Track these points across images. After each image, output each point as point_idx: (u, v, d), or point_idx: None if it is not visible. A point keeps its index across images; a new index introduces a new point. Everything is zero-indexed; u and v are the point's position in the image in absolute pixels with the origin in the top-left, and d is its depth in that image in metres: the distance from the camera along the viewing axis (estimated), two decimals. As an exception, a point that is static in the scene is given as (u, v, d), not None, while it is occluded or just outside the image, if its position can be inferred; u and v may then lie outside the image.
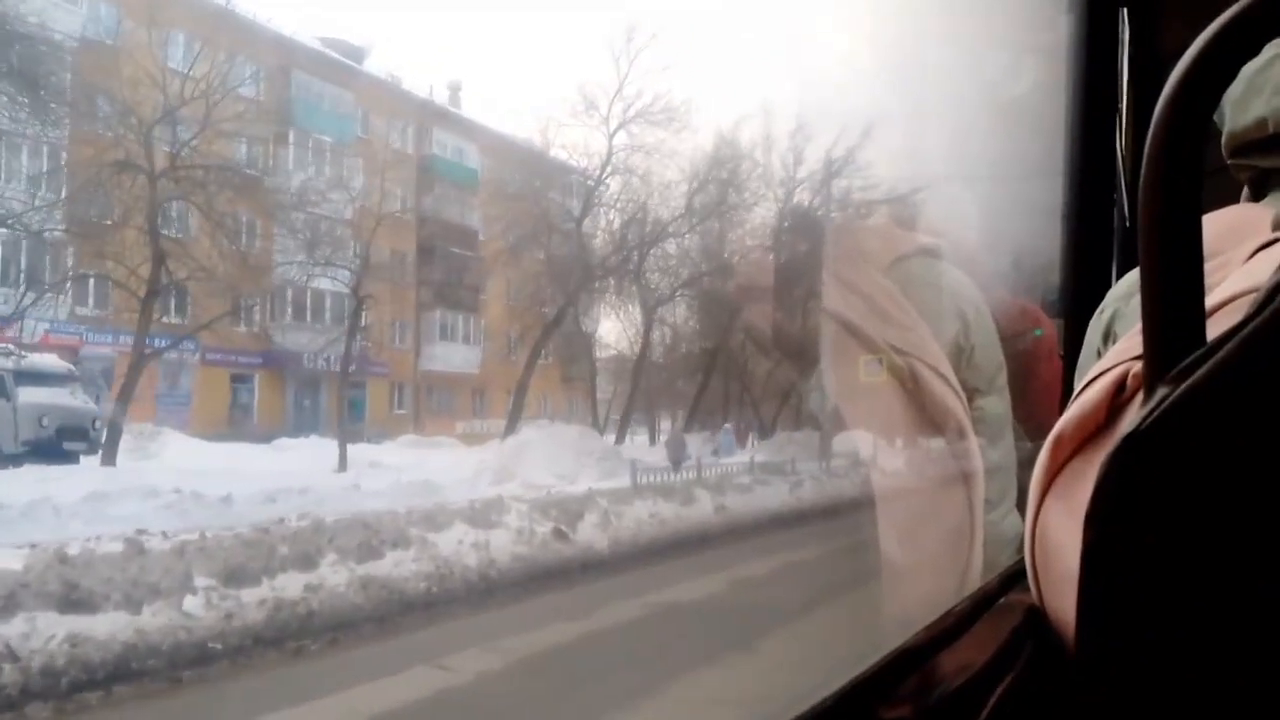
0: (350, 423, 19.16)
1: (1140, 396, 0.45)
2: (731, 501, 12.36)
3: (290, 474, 11.38)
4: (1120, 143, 0.97)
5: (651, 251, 22.22)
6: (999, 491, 1.11)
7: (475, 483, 12.69)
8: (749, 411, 25.63)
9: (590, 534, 9.25)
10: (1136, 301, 0.65)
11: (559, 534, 8.84)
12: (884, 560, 0.98)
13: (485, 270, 21.48)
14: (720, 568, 8.53)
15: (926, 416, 1.01)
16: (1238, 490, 0.35)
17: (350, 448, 15.07)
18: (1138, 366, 0.47)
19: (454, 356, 22.48)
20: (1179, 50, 0.37)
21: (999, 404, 1.17)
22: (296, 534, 7.17)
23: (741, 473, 15.07)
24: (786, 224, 22.00)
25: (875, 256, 1.14)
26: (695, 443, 19.99)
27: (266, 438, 16.00)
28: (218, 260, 14.67)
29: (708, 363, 24.26)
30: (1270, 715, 0.36)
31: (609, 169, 20.75)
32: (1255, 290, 0.37)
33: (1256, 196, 0.65)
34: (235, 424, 17.27)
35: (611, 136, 20.44)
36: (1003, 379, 1.20)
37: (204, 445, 14.35)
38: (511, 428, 17.64)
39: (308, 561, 6.57)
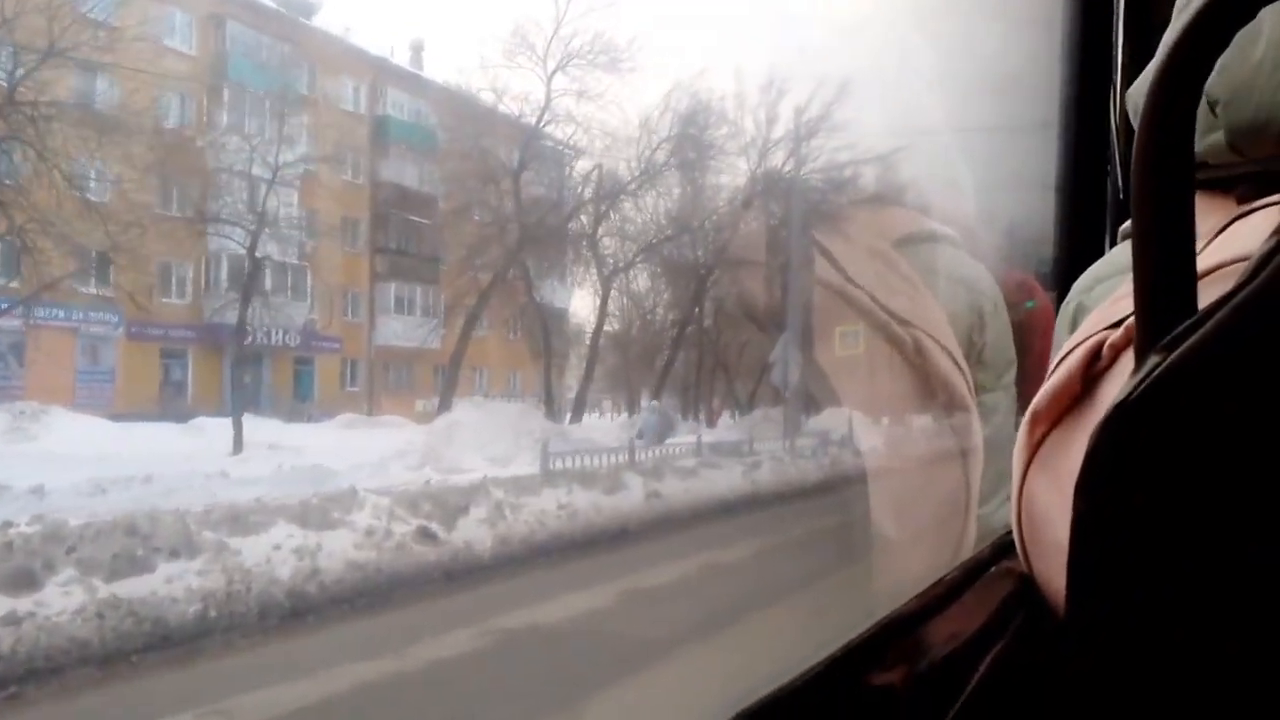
0: (297, 401, 18.88)
1: (1118, 366, 0.49)
2: (670, 488, 11.77)
3: (167, 458, 10.60)
4: (1114, 115, 1.01)
5: (609, 214, 21.81)
6: (993, 485, 1.14)
7: (385, 468, 11.97)
8: (721, 386, 25.62)
9: (472, 532, 8.29)
10: (1099, 291, 0.70)
11: (424, 535, 7.84)
12: (876, 532, 1.02)
13: (446, 238, 21.21)
14: (621, 572, 7.75)
15: (928, 389, 1.04)
16: (1230, 458, 0.36)
17: (282, 427, 14.77)
18: (1113, 335, 0.49)
19: (413, 330, 22.20)
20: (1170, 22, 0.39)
21: (1004, 400, 1.21)
22: (15, 543, 5.63)
23: (689, 454, 14.66)
24: (760, 187, 22.18)
25: (883, 232, 1.17)
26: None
27: (190, 417, 15.67)
28: (69, 214, 13.30)
29: (675, 335, 24.18)
30: (1261, 685, 0.38)
31: (546, 117, 20.01)
32: (1240, 259, 0.39)
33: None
34: (167, 403, 16.90)
35: (549, 80, 19.65)
36: (1011, 376, 1.24)
37: (104, 426, 13.67)
38: (445, 405, 17.15)
39: (26, 581, 5.22)
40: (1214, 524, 0.37)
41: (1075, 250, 1.17)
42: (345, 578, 6.74)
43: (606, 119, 22.22)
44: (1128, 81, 0.89)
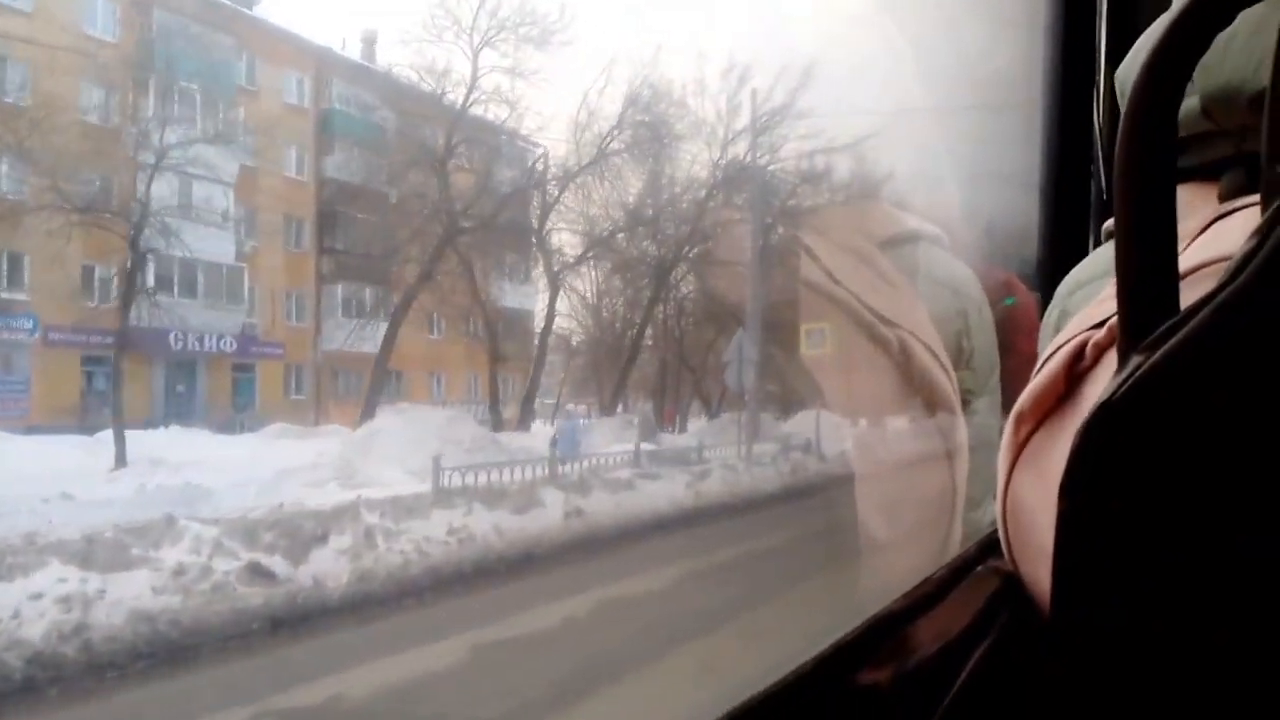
0: (236, 411, 18.47)
1: (1101, 365, 0.51)
2: (596, 504, 10.93)
3: (32, 477, 9.76)
4: (1097, 115, 1.06)
5: (557, 204, 21.51)
6: (982, 491, 1.18)
7: (278, 485, 11.13)
8: (688, 389, 25.50)
9: (326, 566, 7.20)
10: (1081, 295, 0.73)
11: (256, 572, 6.79)
12: (863, 534, 1.05)
13: (398, 238, 20.98)
14: (495, 615, 6.92)
15: (913, 390, 1.08)
16: (1213, 458, 0.38)
17: (201, 440, 14.40)
18: (1096, 336, 0.51)
19: (364, 334, 21.83)
20: (1154, 23, 0.42)
21: (991, 405, 1.26)
22: None
23: (626, 464, 14.08)
24: (721, 177, 22.02)
25: (867, 231, 1.21)
26: (611, 428, 19.61)
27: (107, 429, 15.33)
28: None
29: (634, 335, 23.98)
30: (1245, 684, 0.39)
31: (472, 97, 19.47)
32: (1221, 259, 0.41)
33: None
34: (89, 413, 16.43)
35: (476, 55, 19.15)
36: (995, 380, 1.29)
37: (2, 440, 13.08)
38: (368, 413, 16.68)
39: None
40: (1198, 523, 0.38)
41: (1059, 250, 1.22)
42: (123, 634, 5.50)
43: (548, 99, 22.17)
44: (1111, 82, 0.94)
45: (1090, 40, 1.16)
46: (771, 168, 22.60)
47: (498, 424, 20.07)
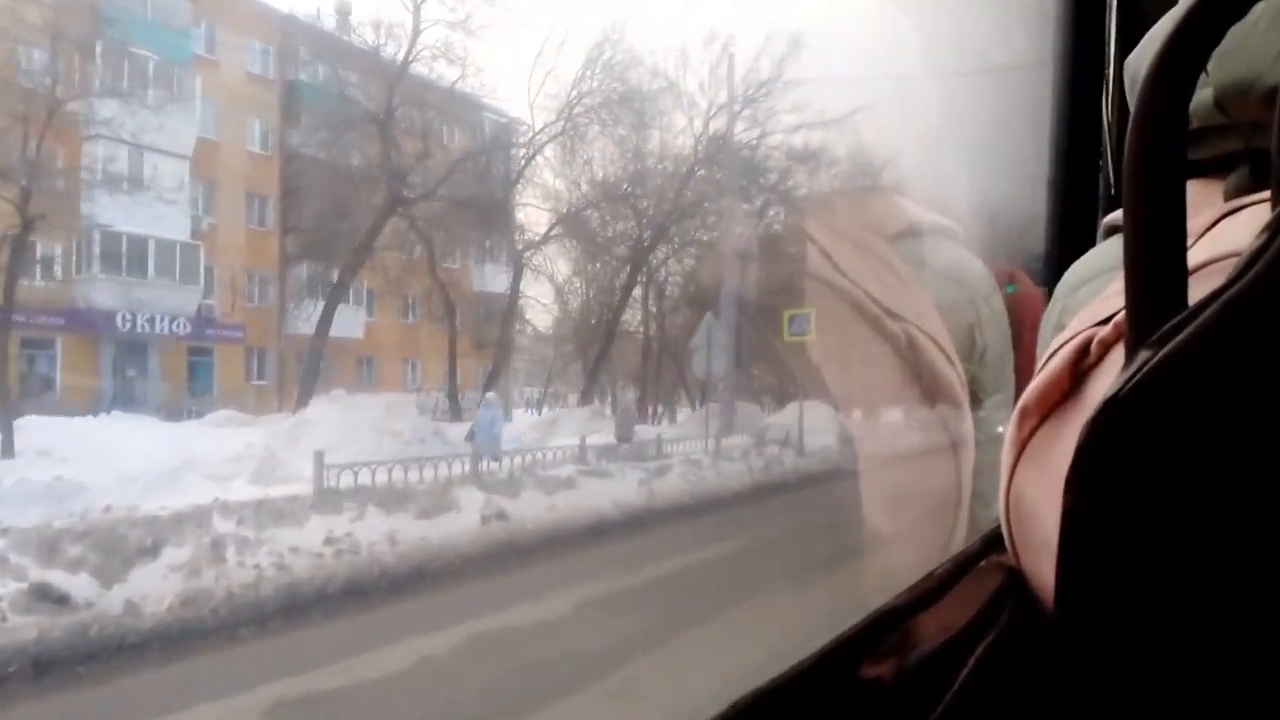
0: (191, 397, 18.18)
1: (1106, 362, 0.52)
2: (524, 506, 10.02)
3: None
4: (1106, 110, 1.09)
5: (522, 176, 21.22)
6: (994, 488, 1.21)
7: (175, 480, 10.31)
8: (671, 378, 25.46)
9: (147, 588, 6.10)
10: (1085, 292, 0.75)
11: (43, 597, 5.72)
12: (868, 528, 1.09)
13: (357, 213, 20.53)
14: (346, 649, 5.76)
15: (921, 384, 1.11)
16: (1219, 454, 0.39)
17: (156, 425, 14.11)
18: (1102, 332, 0.53)
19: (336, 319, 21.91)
20: (1164, 16, 0.43)
21: (1005, 402, 1.29)
22: None
23: (572, 459, 13.42)
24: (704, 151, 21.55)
25: (878, 225, 1.24)
26: (580, 419, 19.37)
27: (54, 413, 14.95)
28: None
29: (609, 319, 23.74)
30: (1250, 679, 0.41)
31: (414, 53, 18.81)
32: (1230, 256, 0.43)
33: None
34: (31, 399, 16.16)
35: (418, 8, 18.47)
36: (1010, 376, 1.33)
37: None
38: (302, 401, 16.26)
39: None
40: (1203, 519, 0.40)
41: (1066, 244, 1.27)
42: None
43: (508, 61, 21.71)
44: (1120, 76, 0.97)
45: (1100, 32, 1.19)
46: (757, 142, 22.49)
47: (456, 414, 19.78)
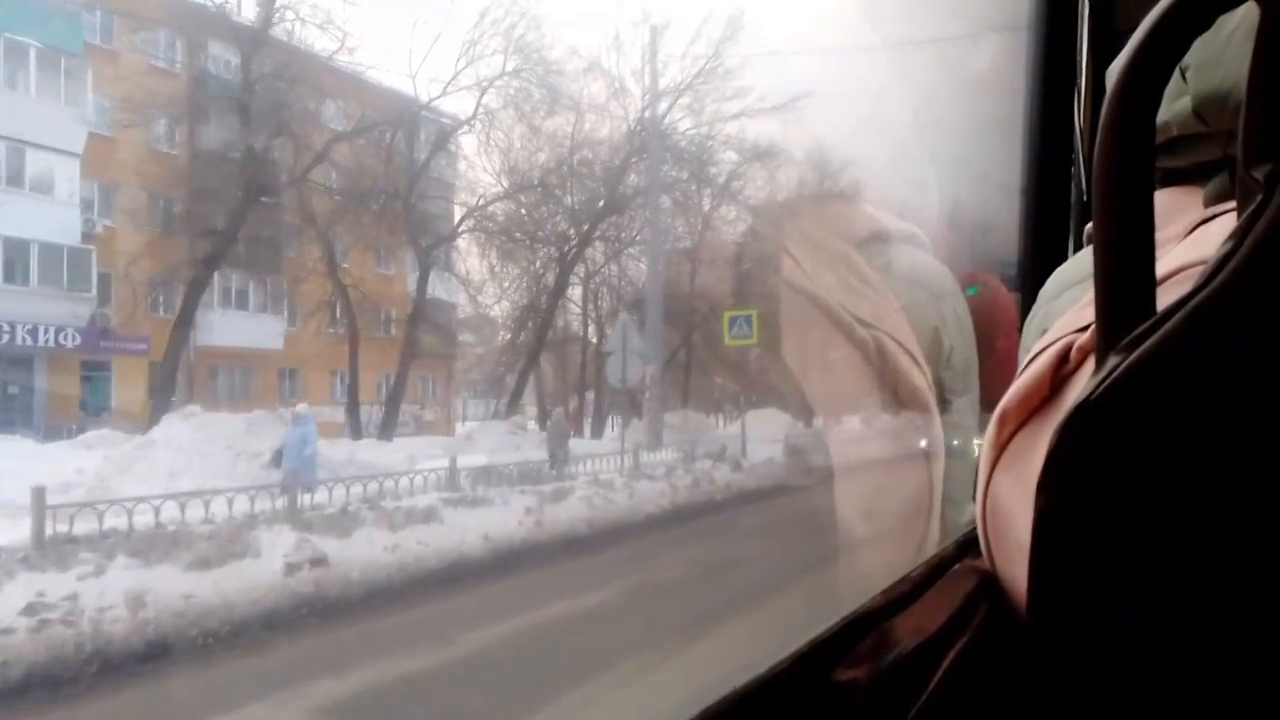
0: (88, 414, 17.58)
1: (1085, 368, 0.57)
2: (359, 548, 8.59)
3: None
4: (1079, 117, 1.17)
5: (427, 167, 20.75)
6: (964, 491, 1.28)
7: None
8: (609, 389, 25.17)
9: None
10: (1066, 297, 0.82)
11: None
12: (841, 534, 1.14)
13: (292, 219, 20.26)
14: None
15: (891, 392, 1.18)
16: (1187, 456, 0.43)
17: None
18: (1081, 339, 0.57)
19: (248, 328, 21.23)
20: (1135, 26, 0.47)
21: (970, 404, 1.37)
22: None
23: (440, 485, 12.26)
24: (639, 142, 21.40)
25: (844, 232, 1.32)
26: (495, 435, 18.85)
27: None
28: None
29: (538, 326, 23.23)
30: (1221, 679, 0.44)
31: (277, 17, 18.31)
32: (1201, 263, 0.45)
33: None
34: None
35: None
36: (974, 376, 1.41)
37: None
38: (154, 419, 15.50)
39: None
40: (1173, 520, 0.43)
41: (1040, 251, 1.35)
42: None
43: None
44: (1091, 83, 1.05)
45: (1071, 41, 1.29)
46: (705, 134, 22.52)
47: (356, 431, 19.47)
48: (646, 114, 21.88)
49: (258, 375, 21.93)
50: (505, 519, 10.76)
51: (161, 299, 20.05)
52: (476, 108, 21.21)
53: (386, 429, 20.25)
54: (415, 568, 8.70)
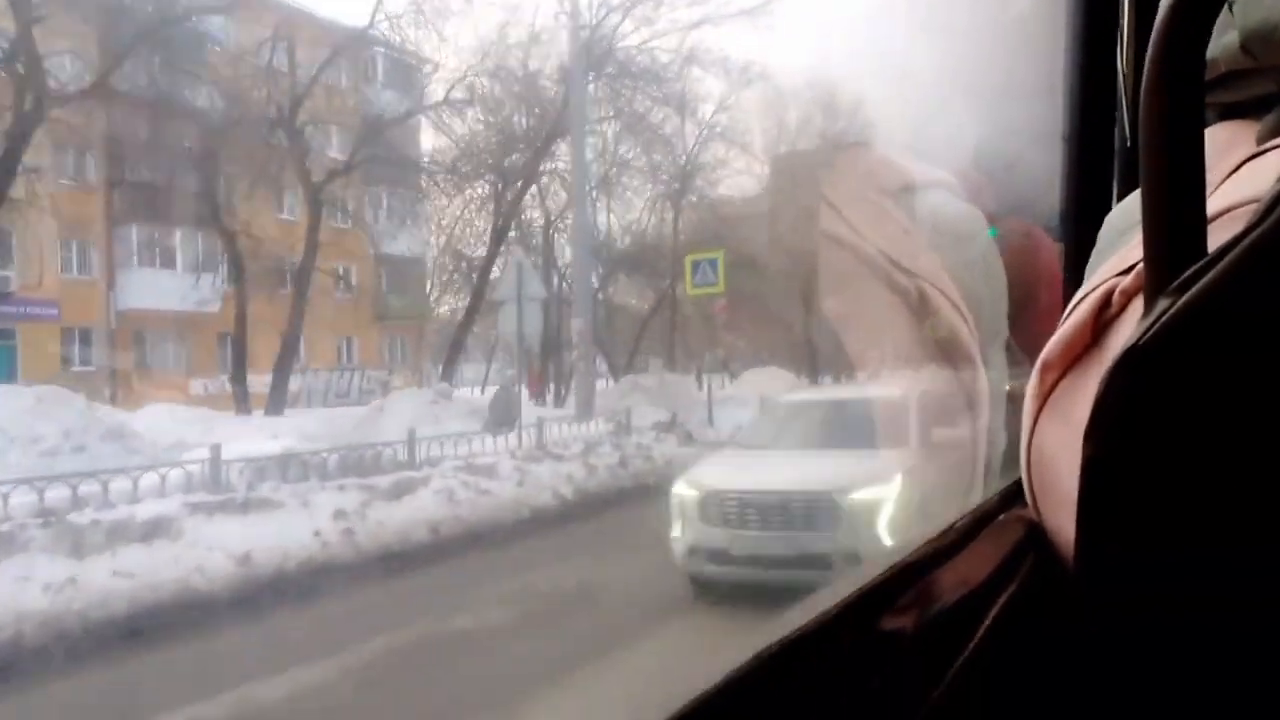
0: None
1: (1128, 312, 0.60)
2: (103, 577, 6.73)
3: None
4: (1121, 61, 1.23)
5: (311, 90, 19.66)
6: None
7: None
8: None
9: None
10: (1121, 244, 0.85)
11: None
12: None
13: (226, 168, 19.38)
14: None
15: (933, 341, 1.24)
16: (1239, 401, 0.44)
17: None
18: (1124, 282, 0.60)
19: (175, 289, 20.55)
20: None
21: (999, 354, 1.44)
22: None
23: (204, 484, 10.12)
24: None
25: (878, 183, 1.37)
26: (414, 406, 17.21)
27: None
28: None
29: (478, 280, 22.46)
30: (1268, 629, 0.46)
31: None
32: (1253, 201, 0.47)
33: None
34: None
35: None
36: (1004, 326, 1.47)
37: None
38: None
39: None
40: (1222, 466, 0.46)
41: (1083, 200, 1.42)
42: None
43: None
44: (1134, 26, 1.10)
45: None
46: (650, 44, 22.03)
47: (242, 404, 18.87)
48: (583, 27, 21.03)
49: (192, 341, 21.52)
50: (297, 528, 8.55)
51: (75, 259, 19.70)
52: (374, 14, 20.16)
53: (276, 399, 19.22)
54: (87, 617, 6.44)
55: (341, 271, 22.52)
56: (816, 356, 23.33)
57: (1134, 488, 0.47)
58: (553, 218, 24.25)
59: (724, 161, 25.06)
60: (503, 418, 16.08)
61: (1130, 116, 1.28)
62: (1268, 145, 0.66)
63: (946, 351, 1.22)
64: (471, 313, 22.99)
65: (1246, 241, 0.43)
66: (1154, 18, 0.49)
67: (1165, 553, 0.48)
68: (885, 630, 0.74)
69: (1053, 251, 1.53)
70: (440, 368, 23.24)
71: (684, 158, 25.16)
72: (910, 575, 0.83)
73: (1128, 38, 1.10)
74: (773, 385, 19.85)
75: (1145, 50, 0.49)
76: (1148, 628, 0.49)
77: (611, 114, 23.39)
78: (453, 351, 22.93)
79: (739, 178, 25.95)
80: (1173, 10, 0.47)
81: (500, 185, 22.91)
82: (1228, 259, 0.44)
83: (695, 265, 19.85)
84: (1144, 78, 0.48)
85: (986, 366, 1.28)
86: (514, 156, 22.70)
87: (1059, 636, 0.69)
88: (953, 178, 1.46)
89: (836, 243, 1.28)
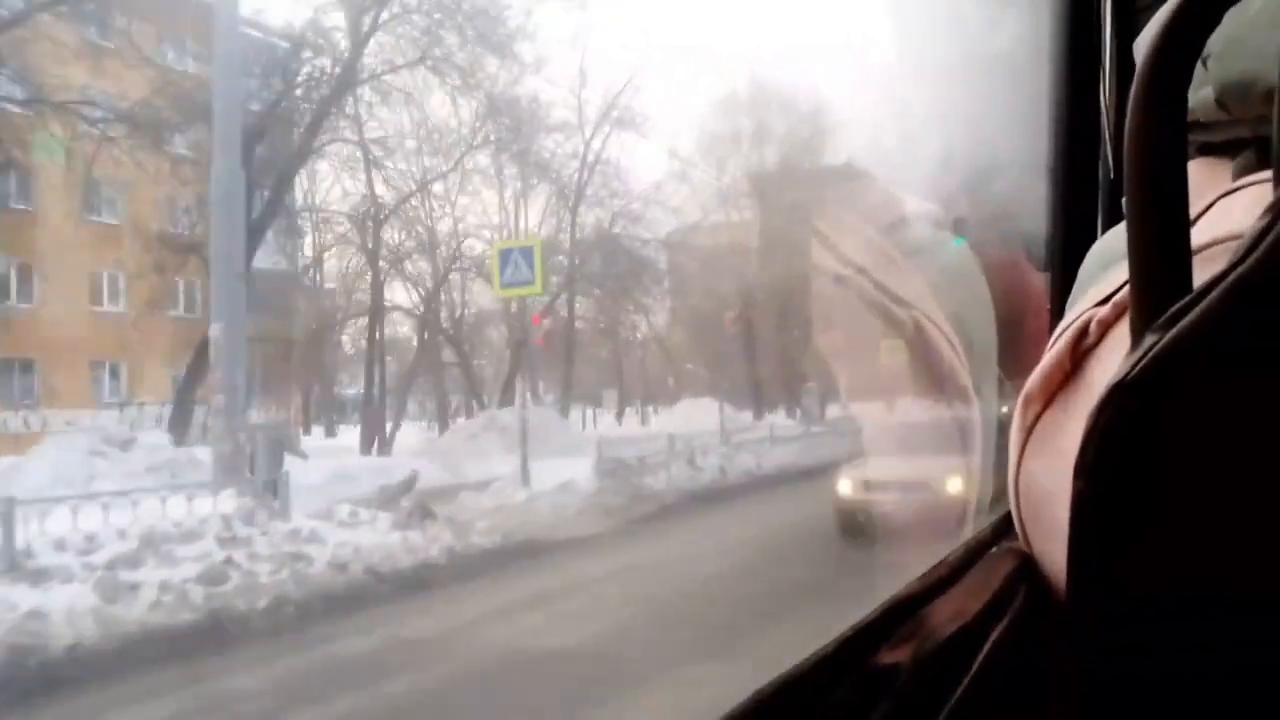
0: None
1: (1105, 343, 0.59)
2: None
3: None
4: (1104, 94, 1.26)
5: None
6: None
7: None
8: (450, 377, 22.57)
9: None
10: (1102, 276, 0.87)
11: None
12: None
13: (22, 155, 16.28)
14: None
15: (928, 371, 1.25)
16: (1228, 436, 0.45)
17: None
18: (1101, 313, 0.60)
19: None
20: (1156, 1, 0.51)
21: (990, 388, 1.45)
22: None
23: None
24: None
25: (870, 215, 1.39)
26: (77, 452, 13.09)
27: None
28: None
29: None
30: (1263, 666, 0.46)
31: None
32: (1235, 236, 0.47)
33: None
34: None
35: None
36: (993, 361, 1.49)
37: None
38: None
39: None
40: (1214, 502, 0.46)
41: (1068, 230, 1.44)
42: None
43: None
44: (1117, 60, 1.13)
45: (1094, 16, 1.37)
46: None
47: None
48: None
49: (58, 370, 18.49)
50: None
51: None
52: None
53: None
54: None
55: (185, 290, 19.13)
56: (761, 389, 22.51)
57: (1125, 523, 0.48)
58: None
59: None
60: (233, 468, 11.32)
61: (1114, 150, 1.31)
62: (1243, 181, 0.67)
63: (942, 383, 1.23)
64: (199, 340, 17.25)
65: (1232, 277, 0.44)
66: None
67: (1158, 588, 0.48)
68: (882, 665, 0.75)
69: (1040, 282, 1.55)
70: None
71: (582, 147, 23.08)
72: (905, 609, 0.84)
73: (1110, 72, 1.12)
74: (704, 419, 17.90)
75: (1128, 85, 0.50)
76: (1141, 663, 0.49)
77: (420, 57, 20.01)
78: (181, 393, 17.77)
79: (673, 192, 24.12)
80: (1155, 48, 0.48)
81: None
82: (1213, 295, 0.44)
83: (505, 257, 15.57)
84: (1128, 114, 0.49)
85: (978, 396, 1.29)
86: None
87: (1054, 669, 0.70)
88: (939, 208, 1.49)
89: (829, 274, 1.30)
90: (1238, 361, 0.44)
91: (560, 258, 23.41)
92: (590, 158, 24.02)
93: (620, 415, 25.04)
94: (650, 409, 24.43)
